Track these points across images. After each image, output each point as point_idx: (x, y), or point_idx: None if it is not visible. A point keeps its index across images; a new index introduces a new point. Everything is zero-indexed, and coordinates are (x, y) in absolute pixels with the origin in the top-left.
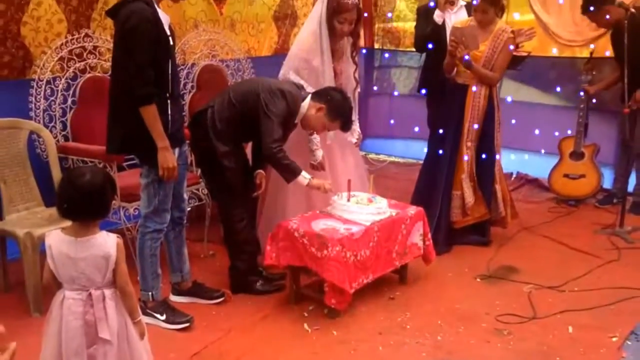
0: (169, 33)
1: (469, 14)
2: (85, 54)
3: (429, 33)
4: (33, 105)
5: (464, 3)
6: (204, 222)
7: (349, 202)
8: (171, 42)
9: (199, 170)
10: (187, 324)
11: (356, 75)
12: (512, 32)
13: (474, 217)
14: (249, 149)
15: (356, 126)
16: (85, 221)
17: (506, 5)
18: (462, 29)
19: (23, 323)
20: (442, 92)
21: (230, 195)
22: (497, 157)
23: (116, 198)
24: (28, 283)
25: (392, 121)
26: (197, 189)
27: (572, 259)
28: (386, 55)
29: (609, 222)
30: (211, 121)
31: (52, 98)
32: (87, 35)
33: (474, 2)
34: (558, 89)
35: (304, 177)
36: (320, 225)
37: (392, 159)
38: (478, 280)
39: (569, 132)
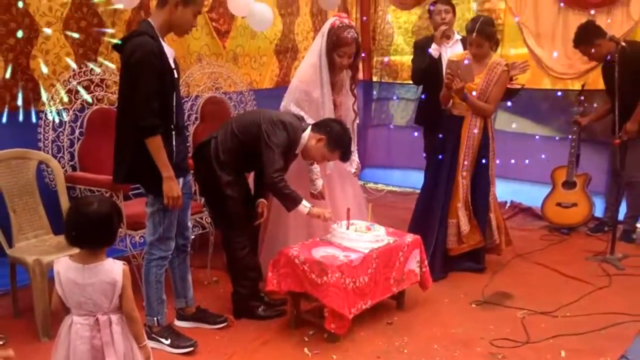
0: (173, 66)
1: (465, 48)
2: (92, 87)
3: (425, 66)
4: (42, 136)
5: (460, 37)
6: (207, 249)
7: (348, 230)
8: (176, 75)
9: (203, 199)
10: (191, 349)
11: (355, 107)
12: (507, 65)
13: (469, 244)
14: (251, 178)
15: (355, 156)
16: (92, 248)
17: (500, 40)
18: (458, 62)
19: (32, 348)
20: (438, 123)
21: (233, 223)
22: (492, 186)
23: (122, 226)
24: (37, 309)
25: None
26: (201, 218)
27: (565, 285)
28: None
29: (600, 250)
30: (215, 152)
31: (60, 129)
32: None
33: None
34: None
35: (305, 205)
36: (320, 252)
37: (390, 188)
38: (473, 305)
39: (561, 162)
